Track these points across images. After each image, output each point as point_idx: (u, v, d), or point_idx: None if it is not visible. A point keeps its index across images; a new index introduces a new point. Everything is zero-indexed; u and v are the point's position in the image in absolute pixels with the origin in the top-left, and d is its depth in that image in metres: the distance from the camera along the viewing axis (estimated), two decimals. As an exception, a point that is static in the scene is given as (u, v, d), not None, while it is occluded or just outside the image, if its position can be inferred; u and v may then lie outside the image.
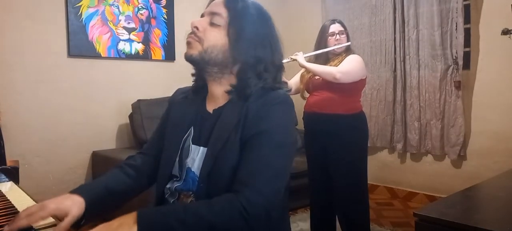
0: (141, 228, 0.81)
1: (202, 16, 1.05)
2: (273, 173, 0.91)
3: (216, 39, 0.99)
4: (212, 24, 1.01)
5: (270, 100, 0.97)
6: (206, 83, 1.07)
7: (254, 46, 1.00)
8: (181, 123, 1.09)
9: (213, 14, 1.01)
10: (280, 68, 1.08)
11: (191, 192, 1.01)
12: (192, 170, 1.02)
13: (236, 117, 0.97)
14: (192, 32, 1.01)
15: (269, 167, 0.91)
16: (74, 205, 0.94)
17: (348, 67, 2.19)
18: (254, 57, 1.00)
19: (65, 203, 0.93)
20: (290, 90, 1.12)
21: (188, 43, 1.02)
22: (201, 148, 1.02)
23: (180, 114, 1.11)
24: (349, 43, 2.33)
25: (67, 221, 0.90)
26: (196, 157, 1.02)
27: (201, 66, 1.03)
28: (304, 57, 2.32)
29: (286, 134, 0.96)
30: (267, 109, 0.95)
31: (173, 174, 1.06)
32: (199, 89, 1.11)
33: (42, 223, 0.92)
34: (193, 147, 1.04)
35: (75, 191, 0.99)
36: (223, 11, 1.00)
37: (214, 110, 1.04)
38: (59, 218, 0.92)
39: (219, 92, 1.04)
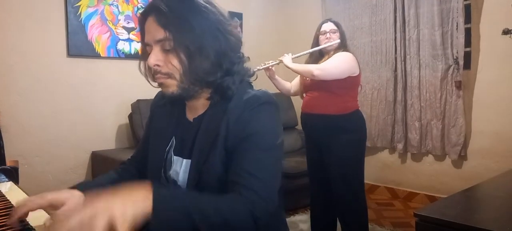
0: (156, 211, 0.73)
1: (147, 45, 0.93)
2: (267, 176, 0.89)
3: (178, 65, 0.90)
4: (165, 51, 0.90)
5: (252, 103, 0.92)
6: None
7: (208, 49, 0.90)
8: (162, 133, 1.06)
9: (158, 42, 0.90)
10: (239, 46, 0.98)
11: None
12: (179, 183, 1.00)
13: (217, 127, 0.93)
14: (157, 72, 0.92)
15: (265, 170, 0.89)
16: (72, 198, 0.93)
17: (328, 64, 2.19)
18: (215, 59, 0.91)
19: (63, 194, 0.93)
20: (253, 74, 1.04)
21: (161, 84, 0.94)
22: (184, 160, 0.99)
23: (161, 123, 1.08)
24: (338, 41, 2.30)
25: (64, 209, 0.89)
26: (179, 169, 1.00)
27: (188, 95, 0.96)
28: (294, 57, 2.34)
29: (274, 136, 0.93)
30: (250, 113, 0.91)
31: (162, 183, 1.04)
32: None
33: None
34: (175, 158, 1.02)
35: (74, 187, 0.99)
36: (165, 34, 0.89)
37: (194, 119, 1.01)
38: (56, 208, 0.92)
39: (199, 103, 1.00)
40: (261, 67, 2.31)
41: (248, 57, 1.04)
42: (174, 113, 1.06)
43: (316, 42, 2.36)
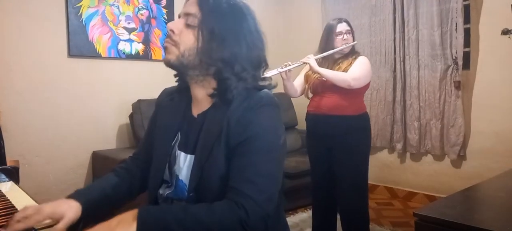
0: (140, 226, 0.81)
1: (180, 16, 1.00)
2: (266, 181, 0.90)
3: (191, 41, 0.95)
4: (187, 25, 0.96)
5: (254, 104, 0.93)
6: (189, 86, 1.04)
7: (227, 44, 0.94)
8: (168, 128, 1.07)
9: (187, 15, 0.96)
10: (259, 64, 1.01)
11: (183, 201, 1.00)
12: (181, 178, 1.01)
13: (219, 124, 0.94)
14: (168, 36, 0.97)
15: (262, 175, 0.89)
16: (70, 209, 0.95)
17: (360, 73, 2.20)
18: (229, 57, 0.95)
19: (61, 207, 0.95)
20: (275, 86, 1.05)
21: (165, 48, 0.98)
22: (188, 155, 1.01)
23: (166, 119, 1.09)
24: (355, 42, 2.32)
25: (63, 223, 0.92)
26: (183, 165, 1.01)
27: (181, 70, 0.99)
28: (317, 58, 2.28)
29: (275, 138, 0.94)
30: (252, 114, 0.92)
31: (165, 179, 1.05)
32: (184, 90, 1.07)
33: (42, 223, 0.93)
34: (179, 153, 1.03)
35: (71, 196, 1.00)
36: (196, 11, 0.95)
37: (198, 115, 1.02)
38: (55, 221, 0.93)
39: (202, 96, 1.01)
40: (282, 69, 2.23)
41: (271, 78, 1.06)
42: (180, 108, 1.07)
43: (331, 43, 2.29)
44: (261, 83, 1.02)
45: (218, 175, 0.93)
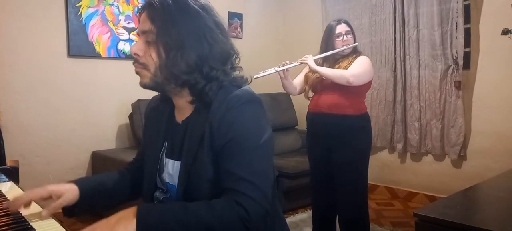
0: (139, 223, 0.81)
1: (138, 35, 0.98)
2: (258, 178, 0.90)
3: (156, 58, 0.93)
4: (148, 43, 0.94)
5: (233, 104, 0.92)
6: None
7: (188, 49, 0.92)
8: (155, 136, 1.08)
9: (144, 33, 0.94)
10: (227, 57, 0.99)
11: None
12: (171, 183, 1.02)
13: (202, 128, 0.94)
14: (135, 60, 0.96)
15: (254, 173, 0.89)
16: (69, 191, 1.02)
17: (360, 70, 2.18)
18: (195, 61, 0.92)
19: (62, 186, 1.02)
20: (249, 81, 1.03)
21: (137, 73, 0.97)
22: (176, 162, 1.01)
23: (153, 127, 1.10)
24: (356, 44, 2.31)
25: (59, 202, 0.98)
26: (172, 171, 1.01)
27: (159, 89, 1.00)
28: (315, 58, 2.28)
29: (259, 134, 0.93)
30: (233, 114, 0.91)
31: (159, 186, 1.07)
32: (167, 97, 1.06)
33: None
34: (167, 161, 1.04)
35: (72, 181, 1.06)
36: (150, 26, 0.92)
37: (182, 121, 1.03)
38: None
39: (183, 104, 1.01)
40: (279, 69, 2.23)
41: (241, 67, 1.03)
42: (164, 116, 1.08)
43: (331, 45, 2.29)
44: (235, 74, 1.01)
45: (205, 179, 0.93)
